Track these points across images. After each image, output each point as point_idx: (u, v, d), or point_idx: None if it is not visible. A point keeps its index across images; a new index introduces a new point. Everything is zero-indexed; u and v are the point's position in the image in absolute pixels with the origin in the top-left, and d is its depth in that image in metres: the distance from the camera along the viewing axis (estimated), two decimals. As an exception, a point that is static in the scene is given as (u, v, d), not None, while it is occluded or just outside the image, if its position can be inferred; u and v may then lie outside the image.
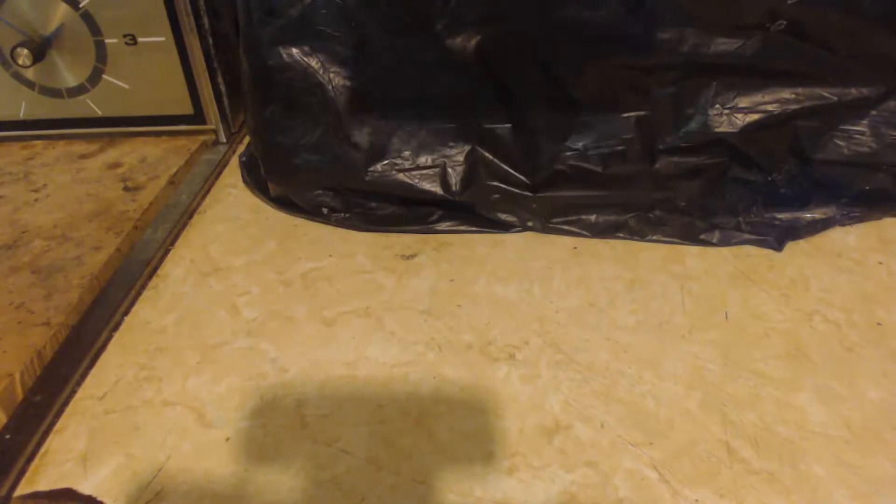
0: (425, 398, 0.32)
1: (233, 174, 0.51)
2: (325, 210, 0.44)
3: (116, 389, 0.33)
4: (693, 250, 0.41)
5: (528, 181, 0.42)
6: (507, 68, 0.39)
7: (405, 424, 0.31)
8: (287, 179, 0.44)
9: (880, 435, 0.30)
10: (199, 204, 0.48)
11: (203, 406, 0.32)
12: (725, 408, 0.31)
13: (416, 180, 0.42)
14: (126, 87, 0.52)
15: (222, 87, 0.52)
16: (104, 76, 0.51)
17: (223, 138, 0.55)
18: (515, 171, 0.42)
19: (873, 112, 0.41)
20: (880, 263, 0.39)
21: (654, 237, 0.42)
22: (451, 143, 0.41)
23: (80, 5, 0.48)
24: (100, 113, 0.53)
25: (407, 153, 0.42)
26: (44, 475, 0.29)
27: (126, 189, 0.48)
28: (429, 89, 0.40)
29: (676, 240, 0.42)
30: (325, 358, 0.35)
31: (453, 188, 0.42)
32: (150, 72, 0.51)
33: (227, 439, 0.30)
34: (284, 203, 0.46)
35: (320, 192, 0.44)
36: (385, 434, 0.30)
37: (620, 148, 0.41)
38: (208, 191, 0.49)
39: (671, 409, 0.31)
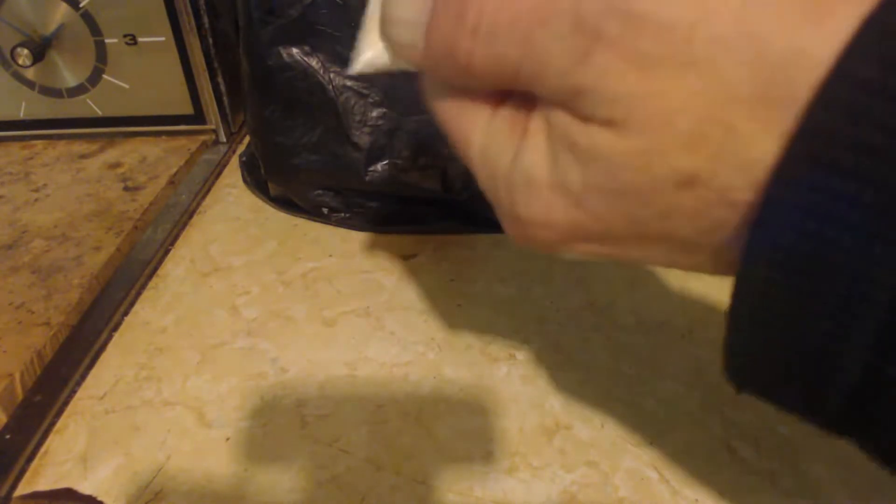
0: (425, 398, 0.32)
1: (233, 174, 0.51)
2: (325, 210, 0.44)
3: (116, 389, 0.33)
4: (693, 250, 0.41)
5: (528, 181, 0.42)
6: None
7: (405, 424, 0.31)
8: (287, 179, 0.44)
9: (880, 435, 0.30)
10: (199, 204, 0.48)
11: (203, 406, 0.32)
12: (725, 408, 0.31)
13: (416, 180, 0.42)
14: (126, 87, 0.52)
15: (222, 87, 0.52)
16: (104, 76, 0.51)
17: (223, 138, 0.55)
18: (515, 171, 0.42)
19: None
20: (880, 263, 0.39)
21: (654, 237, 0.42)
22: (452, 143, 0.41)
23: (80, 5, 0.48)
24: (100, 113, 0.53)
25: (407, 153, 0.42)
26: (44, 475, 0.29)
27: (126, 189, 0.48)
28: (429, 89, 0.40)
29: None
30: (325, 358, 0.34)
31: (453, 188, 0.42)
32: (150, 72, 0.51)
33: (227, 439, 0.30)
34: (284, 203, 0.46)
35: (320, 192, 0.44)
36: (385, 434, 0.30)
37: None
38: (208, 191, 0.49)
39: (671, 409, 0.31)
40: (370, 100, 0.40)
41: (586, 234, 0.17)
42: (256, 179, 0.48)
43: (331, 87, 0.40)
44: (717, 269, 0.16)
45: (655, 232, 0.16)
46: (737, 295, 0.14)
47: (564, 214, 0.16)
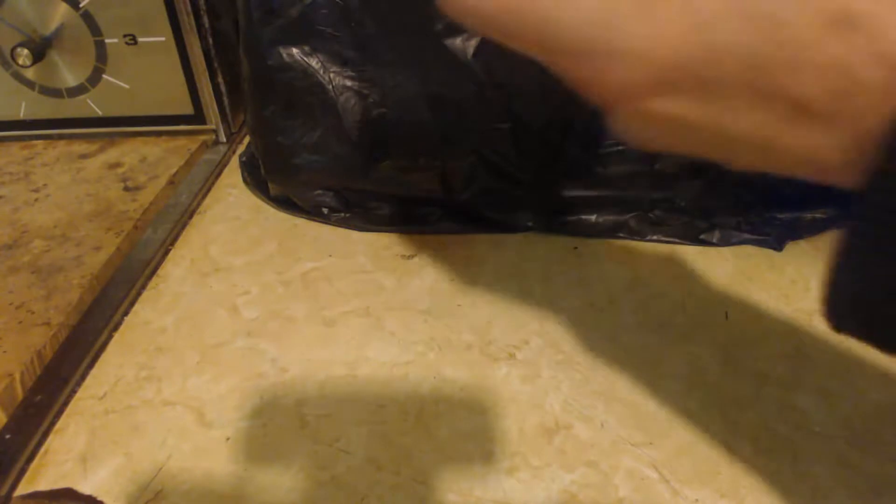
0: (425, 398, 0.32)
1: (233, 174, 0.51)
2: (325, 210, 0.44)
3: (116, 389, 0.33)
4: (693, 250, 0.41)
5: (528, 181, 0.42)
6: (507, 68, 0.39)
7: (405, 424, 0.31)
8: (287, 179, 0.44)
9: (880, 435, 0.30)
10: (199, 204, 0.48)
11: (203, 406, 0.32)
12: (725, 408, 0.31)
13: (416, 180, 0.42)
14: (126, 87, 0.52)
15: (222, 87, 0.52)
16: (104, 76, 0.51)
17: (223, 138, 0.55)
18: (516, 171, 0.42)
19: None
20: (880, 263, 0.39)
21: (654, 237, 0.42)
22: (451, 143, 0.41)
23: (80, 5, 0.48)
24: (100, 113, 0.53)
25: (407, 153, 0.42)
26: (44, 475, 0.29)
27: (126, 189, 0.48)
28: (429, 89, 0.40)
29: (676, 240, 0.42)
30: (325, 358, 0.35)
31: (453, 188, 0.42)
32: (151, 72, 0.51)
33: (227, 439, 0.30)
34: (284, 203, 0.46)
35: (320, 192, 0.44)
36: (385, 434, 0.30)
37: (620, 148, 0.41)
38: (208, 191, 0.49)
39: (671, 409, 0.31)
40: (370, 100, 0.40)
41: (687, 75, 0.13)
42: (256, 179, 0.48)
43: (331, 87, 0.40)
44: (826, 158, 0.12)
45: (773, 84, 0.12)
46: (870, 199, 0.11)
47: (677, 38, 0.13)
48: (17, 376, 0.33)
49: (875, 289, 0.12)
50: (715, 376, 0.33)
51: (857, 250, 0.13)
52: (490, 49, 0.39)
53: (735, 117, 0.13)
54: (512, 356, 0.34)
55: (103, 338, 0.37)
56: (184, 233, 0.45)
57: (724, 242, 0.41)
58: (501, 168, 0.42)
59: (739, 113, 0.13)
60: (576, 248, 0.42)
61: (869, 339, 0.13)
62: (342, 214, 0.44)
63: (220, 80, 0.52)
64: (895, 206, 0.11)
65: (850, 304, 0.13)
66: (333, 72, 0.40)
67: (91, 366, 0.35)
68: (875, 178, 0.11)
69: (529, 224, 0.43)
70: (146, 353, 0.35)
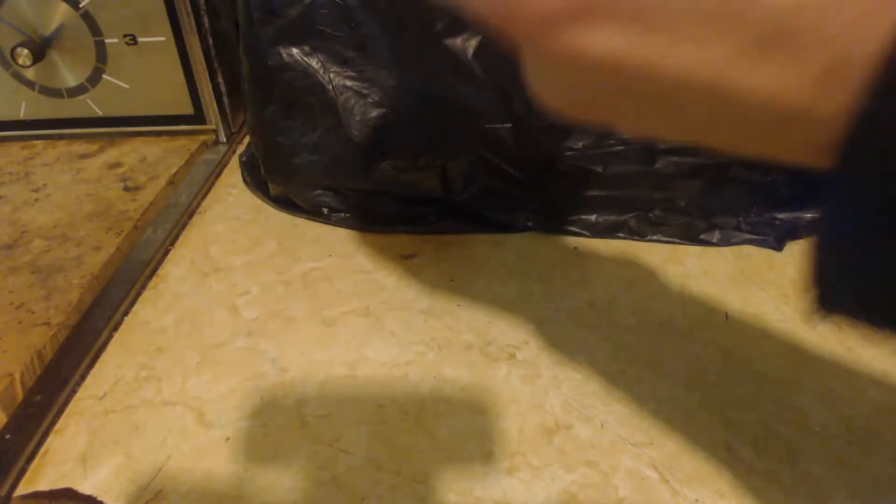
0: (425, 398, 0.32)
1: (233, 174, 0.51)
2: (325, 210, 0.44)
3: (116, 389, 0.33)
4: (693, 250, 0.41)
5: (528, 181, 0.42)
6: (507, 68, 0.39)
7: (405, 424, 0.31)
8: (287, 179, 0.44)
9: (880, 435, 0.30)
10: (199, 204, 0.48)
11: (203, 406, 0.32)
12: (725, 408, 0.31)
13: (416, 180, 0.42)
14: (126, 87, 0.52)
15: (222, 87, 0.52)
16: (104, 76, 0.51)
17: (223, 138, 0.55)
18: (515, 170, 0.42)
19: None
20: (880, 263, 0.39)
21: (654, 237, 0.42)
22: (452, 143, 0.41)
23: (80, 5, 0.48)
24: (100, 113, 0.53)
25: (407, 153, 0.42)
26: (44, 475, 0.29)
27: (126, 189, 0.48)
28: (429, 89, 0.40)
29: (676, 240, 0.42)
30: (325, 358, 0.35)
31: (453, 188, 0.42)
32: (151, 72, 0.51)
33: (227, 439, 0.30)
34: (284, 203, 0.46)
35: (320, 192, 0.44)
36: (385, 434, 0.30)
37: (620, 148, 0.41)
38: (208, 191, 0.49)
39: (671, 409, 0.31)
40: (370, 100, 0.40)
41: None
42: (256, 179, 0.48)
43: (331, 86, 0.40)
44: (790, 104, 0.10)
45: None
46: (849, 155, 0.09)
47: None
48: (17, 376, 0.33)
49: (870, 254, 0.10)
50: (715, 376, 0.33)
51: (844, 208, 0.10)
52: (490, 49, 0.39)
53: (684, 54, 0.10)
54: (512, 356, 0.34)
55: (103, 338, 0.37)
56: (184, 233, 0.45)
57: (724, 242, 0.41)
58: (501, 168, 0.42)
59: (691, 47, 0.10)
60: (576, 248, 0.42)
61: (863, 312, 0.11)
62: (342, 214, 0.44)
63: (220, 80, 0.52)
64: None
65: (843, 273, 0.11)
66: (333, 72, 0.40)
67: (91, 366, 0.35)
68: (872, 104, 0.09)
69: (529, 224, 0.43)
70: (146, 353, 0.35)
